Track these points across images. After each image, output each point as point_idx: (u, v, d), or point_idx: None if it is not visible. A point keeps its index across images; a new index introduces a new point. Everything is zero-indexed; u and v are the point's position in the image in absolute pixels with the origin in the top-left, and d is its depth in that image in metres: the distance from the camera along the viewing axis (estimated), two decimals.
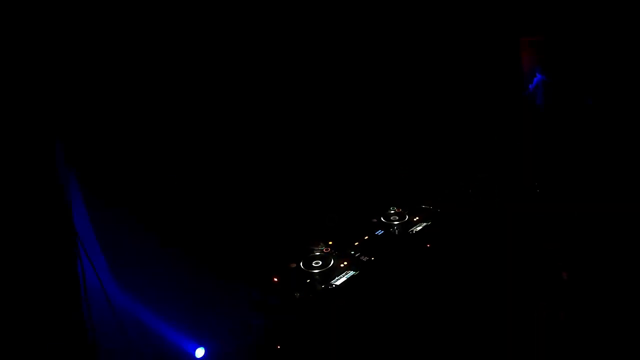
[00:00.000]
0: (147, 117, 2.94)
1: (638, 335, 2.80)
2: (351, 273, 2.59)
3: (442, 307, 2.90)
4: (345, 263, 2.67)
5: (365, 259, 2.72)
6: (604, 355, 2.77)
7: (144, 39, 2.86)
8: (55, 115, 2.44)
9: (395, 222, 3.10)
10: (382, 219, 3.16)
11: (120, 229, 2.65)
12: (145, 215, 2.77)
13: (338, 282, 2.51)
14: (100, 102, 2.72)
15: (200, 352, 2.40)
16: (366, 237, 2.97)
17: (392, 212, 3.21)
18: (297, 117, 3.49)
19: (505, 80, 5.33)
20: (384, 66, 4.61)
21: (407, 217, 3.16)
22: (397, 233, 3.04)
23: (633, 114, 5.02)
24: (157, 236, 2.74)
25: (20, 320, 2.23)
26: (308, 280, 2.53)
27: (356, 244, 2.90)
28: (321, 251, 2.78)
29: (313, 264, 2.64)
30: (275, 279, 2.45)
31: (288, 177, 3.44)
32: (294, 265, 2.64)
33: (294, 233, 3.10)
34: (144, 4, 2.84)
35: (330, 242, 2.86)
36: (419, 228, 3.06)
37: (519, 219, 3.81)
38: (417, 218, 3.16)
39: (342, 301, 2.43)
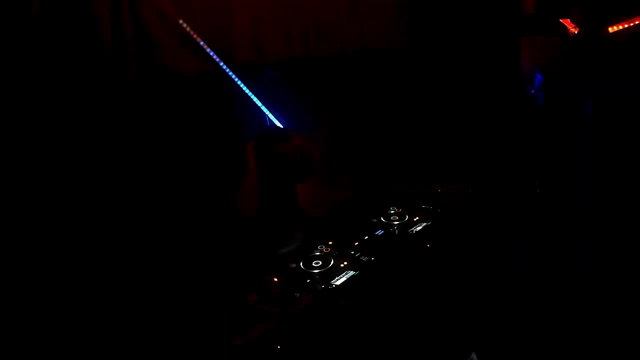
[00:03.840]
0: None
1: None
2: (351, 273, 2.58)
3: (442, 307, 2.90)
4: (345, 263, 2.66)
5: (365, 259, 2.72)
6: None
7: None
8: None
9: (395, 222, 3.10)
10: (382, 219, 3.16)
11: None
12: None
13: (338, 282, 2.51)
14: None
15: None
16: (366, 237, 2.97)
17: (392, 212, 3.21)
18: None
19: (505, 81, 5.33)
20: (382, 66, 4.61)
21: (407, 217, 3.15)
22: (397, 233, 3.03)
23: (632, 115, 5.01)
24: None
25: None
26: (308, 280, 2.53)
27: (356, 244, 2.89)
28: (321, 251, 2.78)
29: (313, 264, 2.64)
30: (275, 279, 2.45)
31: None
32: (294, 265, 2.64)
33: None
34: None
35: (330, 242, 2.86)
36: (419, 228, 3.06)
37: (516, 218, 3.81)
38: (417, 218, 3.16)
39: (342, 301, 2.43)
